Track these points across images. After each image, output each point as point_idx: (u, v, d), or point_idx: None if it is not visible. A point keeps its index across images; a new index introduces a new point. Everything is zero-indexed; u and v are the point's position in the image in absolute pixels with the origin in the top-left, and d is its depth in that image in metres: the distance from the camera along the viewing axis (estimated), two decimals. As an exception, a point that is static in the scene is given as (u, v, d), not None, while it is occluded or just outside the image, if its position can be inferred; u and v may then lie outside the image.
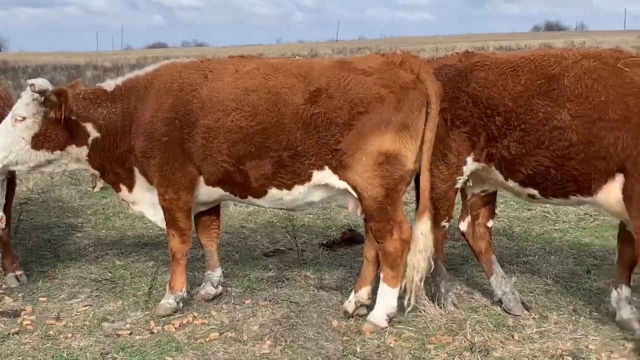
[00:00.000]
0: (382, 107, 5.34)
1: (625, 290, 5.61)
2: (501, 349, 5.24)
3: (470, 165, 5.70)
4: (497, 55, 5.79)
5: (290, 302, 6.26)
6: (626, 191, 5.14)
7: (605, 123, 5.12)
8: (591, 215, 8.72)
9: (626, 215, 5.24)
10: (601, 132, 5.13)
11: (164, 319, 5.92)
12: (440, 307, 5.89)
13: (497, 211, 8.30)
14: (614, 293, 5.66)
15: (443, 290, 5.99)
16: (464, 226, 6.17)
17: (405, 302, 5.62)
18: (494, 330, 5.54)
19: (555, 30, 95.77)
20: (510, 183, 5.61)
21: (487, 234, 6.14)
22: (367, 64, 5.53)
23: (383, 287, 5.64)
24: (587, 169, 5.22)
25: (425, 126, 5.41)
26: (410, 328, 5.63)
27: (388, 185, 5.40)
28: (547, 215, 8.96)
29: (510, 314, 5.88)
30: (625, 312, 5.57)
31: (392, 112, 5.34)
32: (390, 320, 5.66)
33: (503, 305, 5.97)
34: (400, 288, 5.61)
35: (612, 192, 5.22)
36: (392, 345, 5.36)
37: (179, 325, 5.78)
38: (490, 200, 6.13)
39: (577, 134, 5.19)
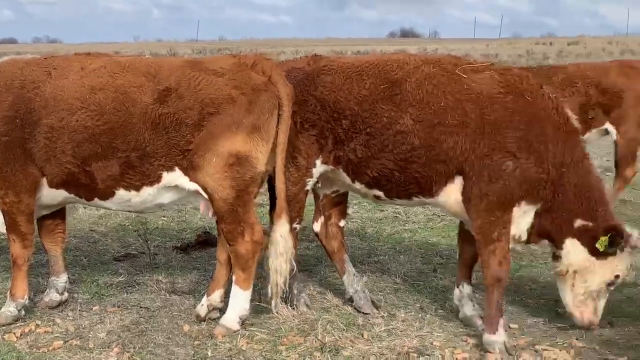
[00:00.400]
0: (233, 108, 5.31)
1: (467, 288, 5.86)
2: (351, 347, 5.33)
3: (319, 167, 5.77)
4: (344, 60, 5.92)
5: (141, 307, 6.12)
6: (465, 193, 5.38)
7: (445, 128, 5.33)
8: (439, 216, 9.05)
9: (465, 215, 5.49)
10: (441, 137, 5.33)
11: (4, 327, 5.63)
12: (293, 309, 5.93)
13: (350, 212, 8.53)
14: (457, 291, 5.90)
15: (295, 292, 6.03)
16: (317, 226, 6.25)
17: (272, 306, 5.64)
18: (344, 330, 5.63)
19: (410, 37, 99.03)
20: (357, 185, 5.73)
21: (340, 233, 6.25)
22: (219, 64, 5.49)
23: (235, 289, 5.61)
24: (428, 172, 5.42)
25: (277, 128, 5.43)
26: (262, 330, 5.64)
27: (239, 186, 5.38)
28: (397, 216, 9.23)
29: (360, 312, 6.02)
30: (468, 309, 5.82)
31: (243, 114, 5.33)
32: (243, 322, 5.63)
33: (354, 304, 6.10)
34: (272, 293, 5.58)
35: (452, 193, 5.45)
36: (244, 348, 5.34)
37: (21, 334, 5.52)
38: (341, 200, 6.25)
39: (419, 138, 5.37)
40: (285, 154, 5.48)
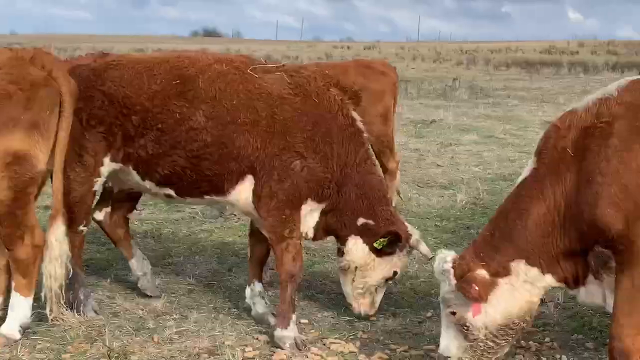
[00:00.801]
0: (9, 104, 4.98)
1: (258, 286, 5.91)
2: (140, 352, 5.20)
3: (108, 166, 5.59)
4: (133, 56, 5.80)
5: None
6: (256, 192, 5.43)
7: (237, 126, 5.35)
8: (236, 215, 9.07)
9: (256, 214, 5.53)
10: (233, 135, 5.35)
11: None
12: (80, 315, 5.68)
13: (146, 214, 8.37)
14: (248, 290, 5.94)
15: (82, 297, 5.78)
16: (100, 215, 6.14)
17: (47, 312, 5.32)
18: (133, 334, 5.48)
19: (213, 37, 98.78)
20: (147, 183, 5.62)
21: (125, 223, 6.22)
22: (-7, 58, 5.14)
23: (15, 296, 5.28)
24: (220, 170, 5.41)
25: (58, 126, 5.18)
26: (46, 338, 5.36)
27: (17, 187, 5.05)
28: (195, 216, 9.12)
29: (146, 295, 6.12)
30: (260, 307, 5.87)
31: (21, 111, 5.01)
32: (24, 331, 5.32)
33: (139, 285, 6.13)
34: (46, 299, 5.25)
35: (242, 192, 5.48)
36: (24, 358, 5.06)
37: None
38: (137, 197, 6.20)
39: (211, 135, 5.36)
40: (65, 153, 5.22)
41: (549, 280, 4.42)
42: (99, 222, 6.17)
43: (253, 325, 5.79)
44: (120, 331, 5.51)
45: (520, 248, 4.34)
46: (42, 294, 5.26)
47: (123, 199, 6.14)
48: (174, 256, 7.59)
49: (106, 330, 5.44)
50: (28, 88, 5.05)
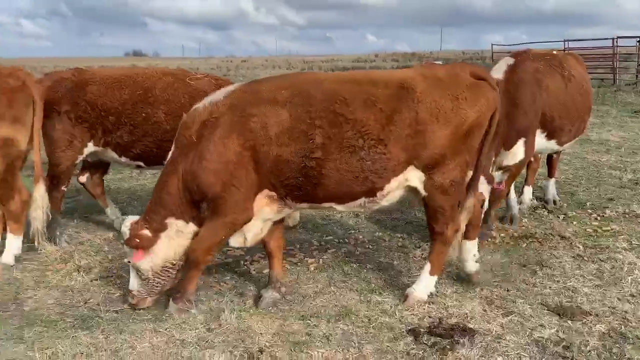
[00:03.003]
0: None
1: None
2: (99, 267, 4.98)
3: (90, 148, 5.42)
4: (103, 72, 5.52)
5: None
6: None
7: None
8: None
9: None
10: None
11: None
12: (56, 245, 5.40)
13: None
14: None
15: (58, 233, 5.51)
16: (83, 178, 5.91)
17: (36, 243, 5.02)
18: (94, 255, 5.25)
19: (139, 56, 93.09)
20: (123, 159, 5.50)
21: (102, 183, 6.01)
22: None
23: (10, 237, 4.99)
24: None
25: (33, 118, 4.85)
26: (34, 262, 5.07)
27: (7, 161, 4.76)
28: None
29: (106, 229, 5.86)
30: None
31: (5, 109, 4.68)
32: (17, 259, 5.00)
33: (115, 225, 5.87)
34: (34, 235, 4.93)
35: None
36: (19, 275, 4.79)
37: None
38: (107, 163, 5.89)
39: (170, 125, 5.23)
40: (40, 136, 4.93)
41: (192, 226, 4.07)
42: (83, 184, 5.93)
43: None
44: (86, 254, 5.28)
45: (169, 209, 4.02)
46: (30, 232, 4.99)
47: (99, 167, 5.90)
48: None
49: (75, 254, 5.23)
50: (9, 92, 4.70)
